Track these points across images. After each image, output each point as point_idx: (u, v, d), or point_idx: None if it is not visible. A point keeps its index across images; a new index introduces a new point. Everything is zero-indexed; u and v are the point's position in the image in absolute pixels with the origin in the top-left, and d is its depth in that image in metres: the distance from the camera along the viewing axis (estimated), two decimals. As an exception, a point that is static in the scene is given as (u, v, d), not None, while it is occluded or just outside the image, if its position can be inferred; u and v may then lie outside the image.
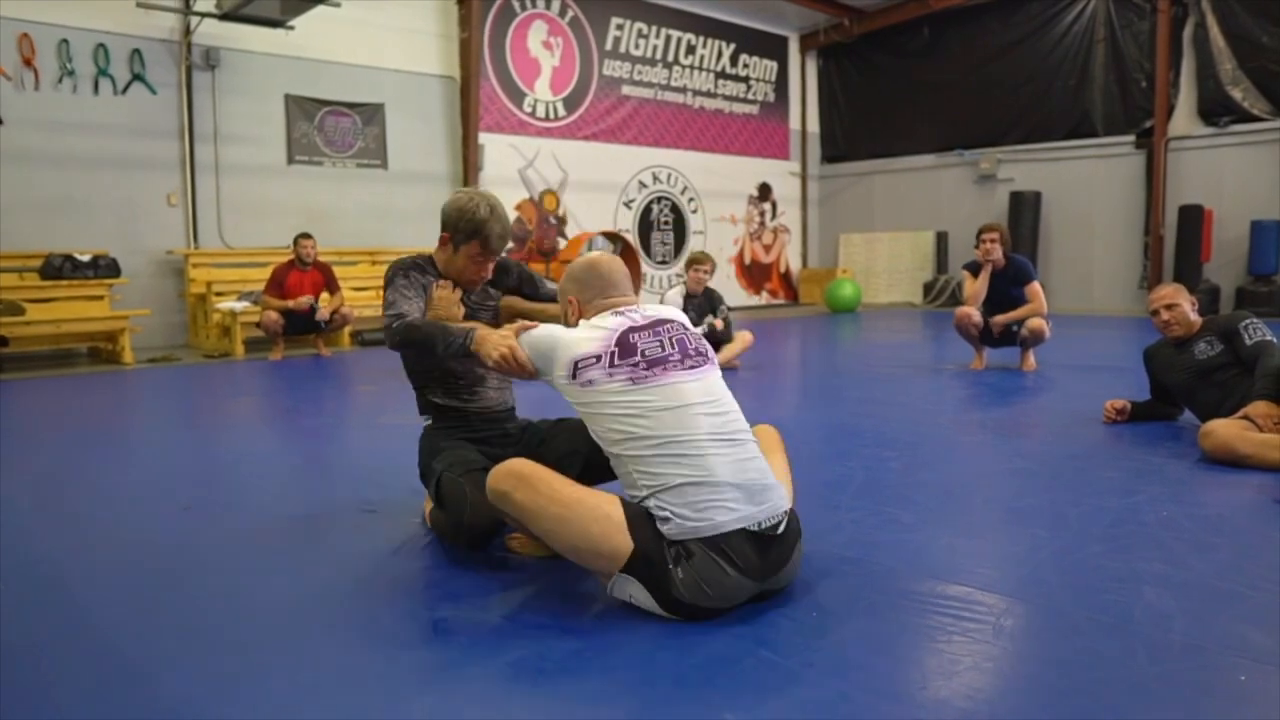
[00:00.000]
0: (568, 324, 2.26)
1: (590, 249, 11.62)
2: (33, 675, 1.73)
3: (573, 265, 2.32)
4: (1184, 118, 11.38)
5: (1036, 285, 5.88)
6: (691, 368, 2.07)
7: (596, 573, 2.01)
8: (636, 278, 12.01)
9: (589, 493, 1.99)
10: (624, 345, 2.05)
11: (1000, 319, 5.88)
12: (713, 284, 6.63)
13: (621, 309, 2.17)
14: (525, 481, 1.99)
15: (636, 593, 1.92)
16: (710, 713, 1.53)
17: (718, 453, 1.95)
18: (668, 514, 1.90)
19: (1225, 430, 3.29)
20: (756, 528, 1.91)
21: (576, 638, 1.86)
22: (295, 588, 2.19)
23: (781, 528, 1.95)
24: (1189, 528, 2.52)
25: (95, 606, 2.08)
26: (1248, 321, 3.71)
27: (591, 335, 2.09)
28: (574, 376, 2.06)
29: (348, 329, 8.20)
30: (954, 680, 1.63)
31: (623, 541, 1.90)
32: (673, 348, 2.09)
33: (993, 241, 5.79)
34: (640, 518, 1.93)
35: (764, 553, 1.92)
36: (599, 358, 2.04)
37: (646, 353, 2.05)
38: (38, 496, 3.15)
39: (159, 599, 2.12)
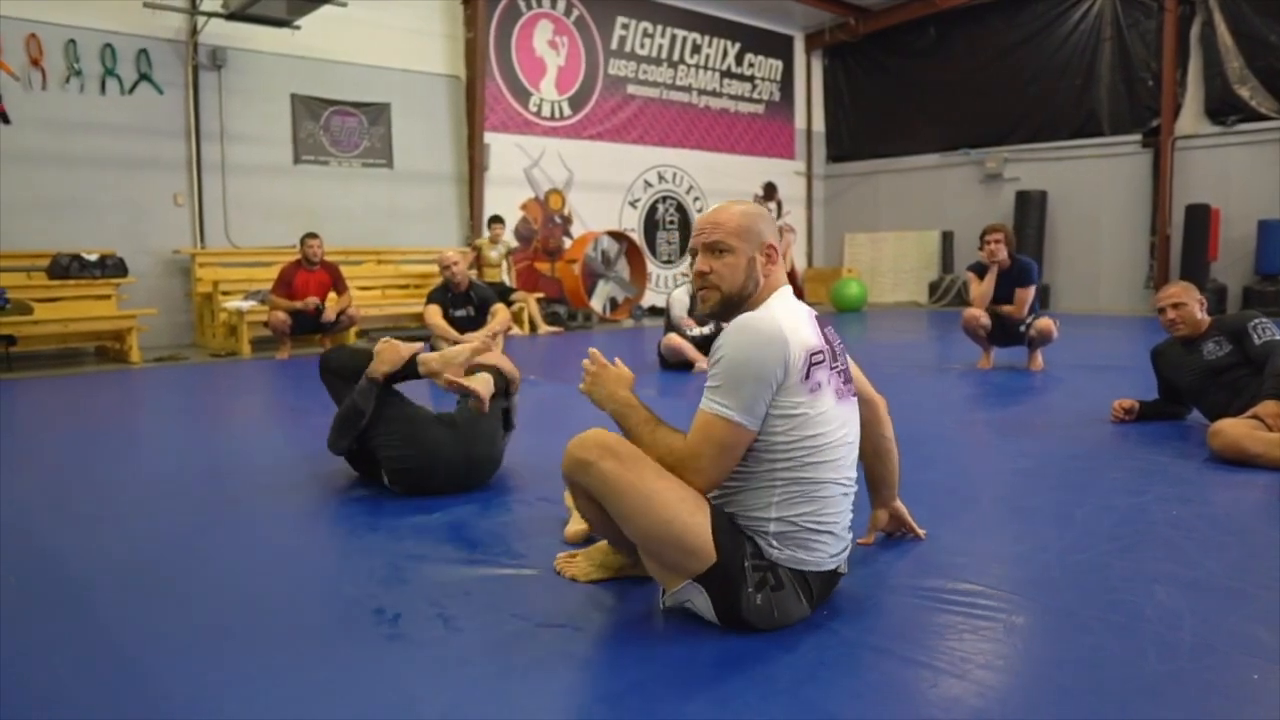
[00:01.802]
0: (752, 277, 1.84)
1: (596, 248, 11.64)
2: (37, 673, 1.73)
3: (752, 209, 1.90)
4: (1191, 117, 11.34)
5: (1027, 291, 5.78)
6: (852, 395, 1.85)
7: (661, 570, 1.81)
8: (641, 277, 12.02)
9: (678, 484, 1.76)
10: (828, 339, 1.80)
11: (999, 309, 5.86)
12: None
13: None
14: (613, 453, 1.77)
15: (698, 601, 1.79)
16: (722, 711, 1.53)
17: (845, 508, 1.86)
18: (780, 547, 1.78)
19: (1234, 429, 3.28)
20: (838, 568, 1.91)
21: (589, 636, 1.87)
22: (305, 586, 2.20)
23: (845, 566, 1.96)
24: (1198, 527, 2.52)
25: (101, 605, 2.09)
26: (1256, 321, 3.68)
27: (796, 314, 1.77)
28: (807, 376, 1.71)
29: (354, 328, 8.21)
30: (965, 679, 1.63)
31: (706, 546, 1.73)
32: (843, 359, 1.85)
33: (996, 243, 5.78)
34: (728, 531, 1.77)
35: (829, 586, 1.92)
36: (822, 353, 1.74)
37: (839, 355, 1.82)
38: (44, 494, 3.17)
39: (166, 597, 2.13)
